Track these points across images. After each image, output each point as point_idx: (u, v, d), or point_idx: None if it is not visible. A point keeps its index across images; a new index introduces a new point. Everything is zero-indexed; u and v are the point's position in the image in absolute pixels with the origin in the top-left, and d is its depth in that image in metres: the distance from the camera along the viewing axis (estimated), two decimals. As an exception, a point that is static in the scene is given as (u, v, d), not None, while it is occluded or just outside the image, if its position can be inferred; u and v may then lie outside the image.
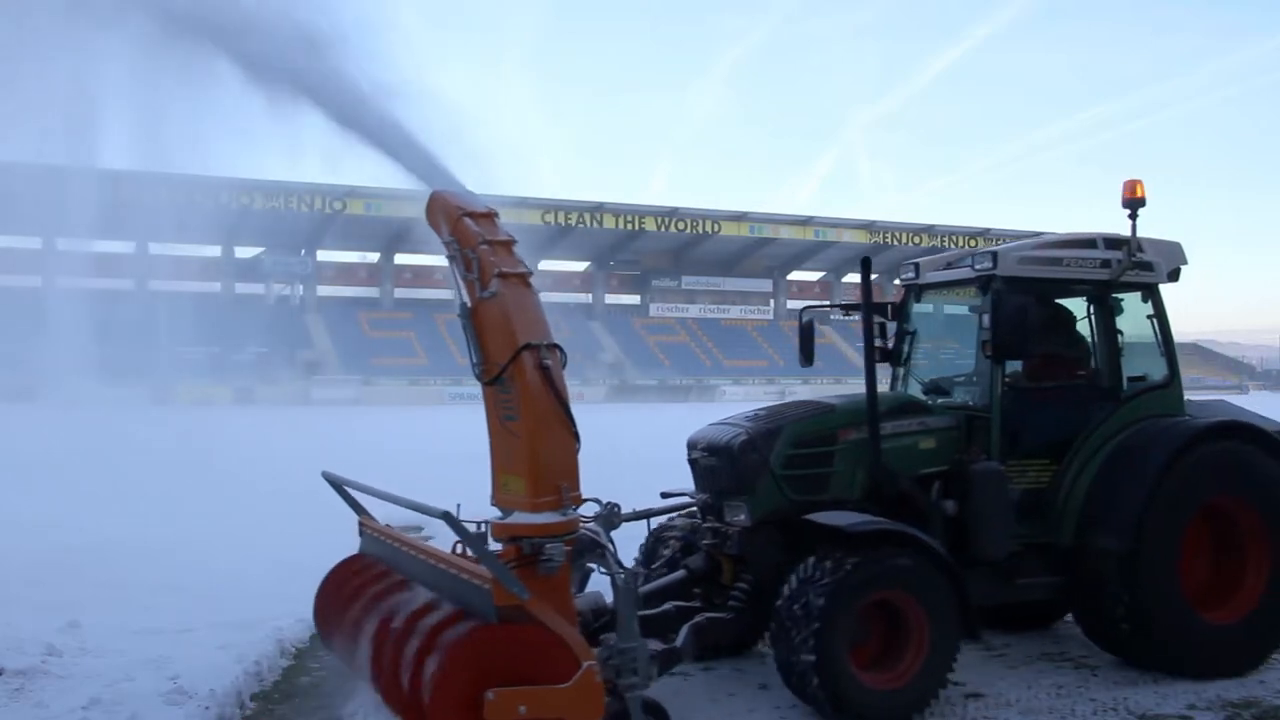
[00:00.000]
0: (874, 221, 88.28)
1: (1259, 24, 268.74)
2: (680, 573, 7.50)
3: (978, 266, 7.90)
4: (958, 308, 9.07)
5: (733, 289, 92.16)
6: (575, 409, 5.83)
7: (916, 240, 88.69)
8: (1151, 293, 8.32)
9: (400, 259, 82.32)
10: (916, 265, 8.76)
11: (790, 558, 6.87)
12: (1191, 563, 7.75)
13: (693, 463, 7.75)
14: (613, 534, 6.72)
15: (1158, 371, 8.30)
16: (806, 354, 8.64)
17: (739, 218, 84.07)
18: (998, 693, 7.35)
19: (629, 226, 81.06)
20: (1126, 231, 7.98)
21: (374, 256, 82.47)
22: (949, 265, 8.50)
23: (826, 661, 6.41)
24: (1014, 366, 8.16)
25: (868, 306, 7.70)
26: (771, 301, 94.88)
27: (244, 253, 75.04)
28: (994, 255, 7.80)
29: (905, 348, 8.98)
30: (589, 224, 79.16)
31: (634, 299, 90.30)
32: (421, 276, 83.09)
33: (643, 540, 8.31)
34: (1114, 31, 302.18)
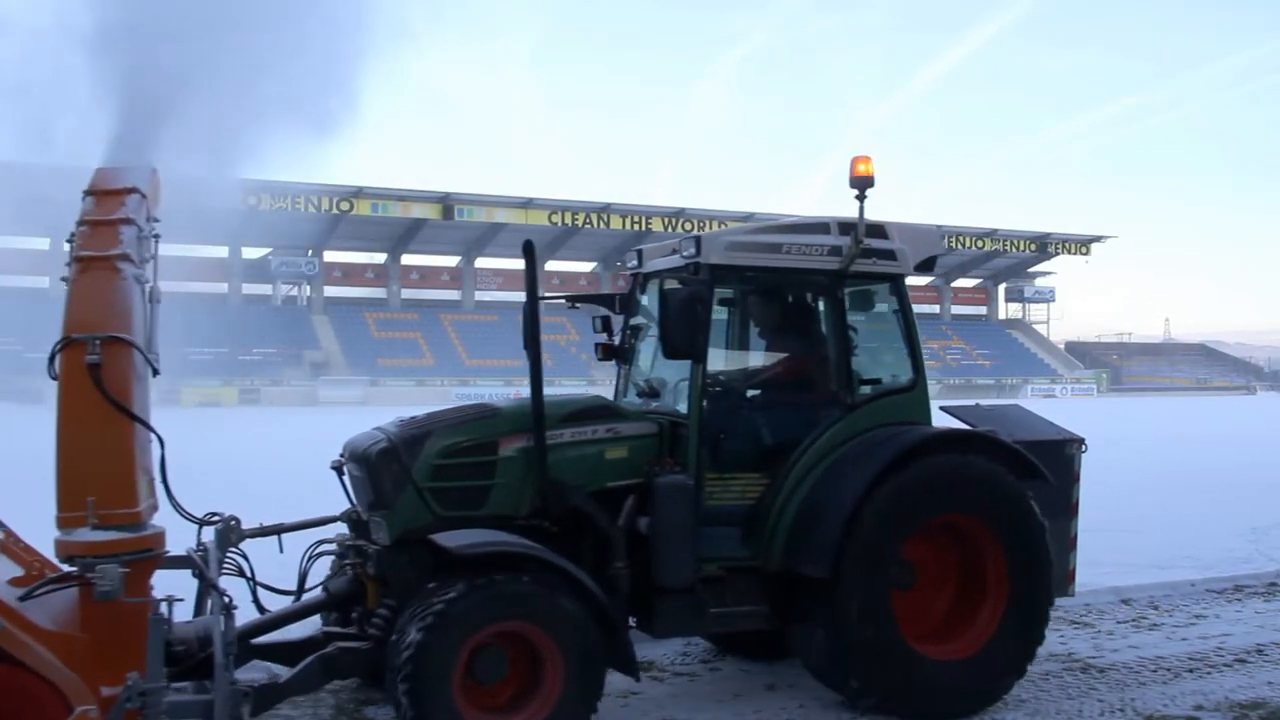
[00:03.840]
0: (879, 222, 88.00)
1: (1268, 23, 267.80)
2: (320, 595, 6.78)
3: (684, 253, 6.97)
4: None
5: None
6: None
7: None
8: (896, 285, 7.44)
9: (407, 259, 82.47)
10: (639, 252, 7.78)
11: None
12: (930, 590, 7.12)
13: (337, 470, 6.94)
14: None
15: (906, 374, 7.42)
16: (534, 349, 6.75)
17: (746, 218, 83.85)
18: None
19: (636, 227, 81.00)
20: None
21: (380, 257, 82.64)
22: (673, 252, 7.31)
23: (422, 706, 5.59)
24: (726, 367, 7.57)
25: (531, 296, 6.43)
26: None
27: (251, 254, 75.21)
28: (698, 241, 6.90)
29: (631, 344, 7.96)
30: (596, 224, 79.15)
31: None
32: (428, 277, 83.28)
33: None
34: (1120, 30, 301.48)
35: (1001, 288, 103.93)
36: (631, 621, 6.73)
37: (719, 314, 7.68)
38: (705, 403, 6.84)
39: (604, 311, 7.77)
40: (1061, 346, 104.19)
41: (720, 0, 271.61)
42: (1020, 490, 7.04)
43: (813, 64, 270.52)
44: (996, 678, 6.93)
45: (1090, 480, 8.60)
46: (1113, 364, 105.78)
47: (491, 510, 6.48)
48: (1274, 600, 10.29)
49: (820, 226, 7.13)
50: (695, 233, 7.08)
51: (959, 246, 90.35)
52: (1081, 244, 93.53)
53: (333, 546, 7.01)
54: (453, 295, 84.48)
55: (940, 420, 7.70)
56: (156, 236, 5.69)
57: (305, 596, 6.80)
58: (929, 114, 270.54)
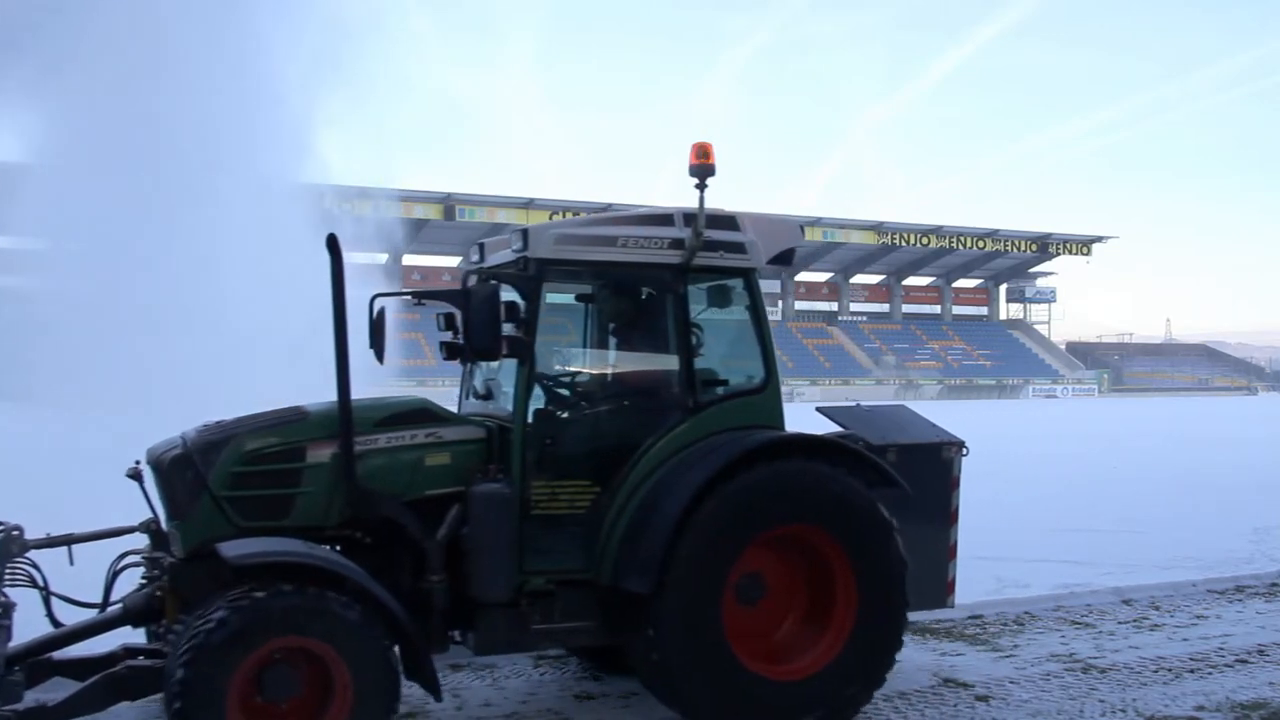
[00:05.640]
0: (882, 222, 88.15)
1: (1268, 23, 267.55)
2: (117, 609, 6.33)
3: (513, 247, 6.55)
4: (559, 296, 7.53)
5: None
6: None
7: (924, 241, 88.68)
8: (747, 279, 6.94)
9: (409, 260, 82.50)
10: (481, 246, 7.27)
11: None
12: (781, 604, 6.72)
13: (134, 477, 6.46)
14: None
15: (760, 374, 6.93)
16: (378, 348, 6.45)
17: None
18: (1006, 694, 7.33)
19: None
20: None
21: (383, 257, 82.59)
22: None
23: None
24: (566, 366, 7.26)
25: (338, 293, 6.01)
26: (780, 303, 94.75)
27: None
28: (525, 234, 6.45)
29: None
30: (596, 225, 79.16)
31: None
32: (431, 277, 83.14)
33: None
34: (1122, 30, 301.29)
35: (1003, 288, 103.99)
36: (457, 636, 6.42)
37: (573, 311, 7.36)
38: (532, 406, 6.47)
39: (450, 308, 7.09)
40: (1063, 347, 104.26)
41: (721, 0, 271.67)
42: (868, 499, 6.58)
43: (813, 64, 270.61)
44: (842, 695, 6.49)
45: (1091, 481, 8.63)
46: (1114, 364, 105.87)
47: (297, 520, 6.05)
48: (1275, 601, 10.29)
49: (663, 218, 6.72)
50: (524, 225, 6.57)
51: (959, 247, 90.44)
52: (1083, 244, 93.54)
53: (139, 558, 6.62)
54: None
55: (816, 423, 7.50)
56: None
57: (110, 610, 6.36)
58: (930, 114, 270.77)
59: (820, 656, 6.52)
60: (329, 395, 6.14)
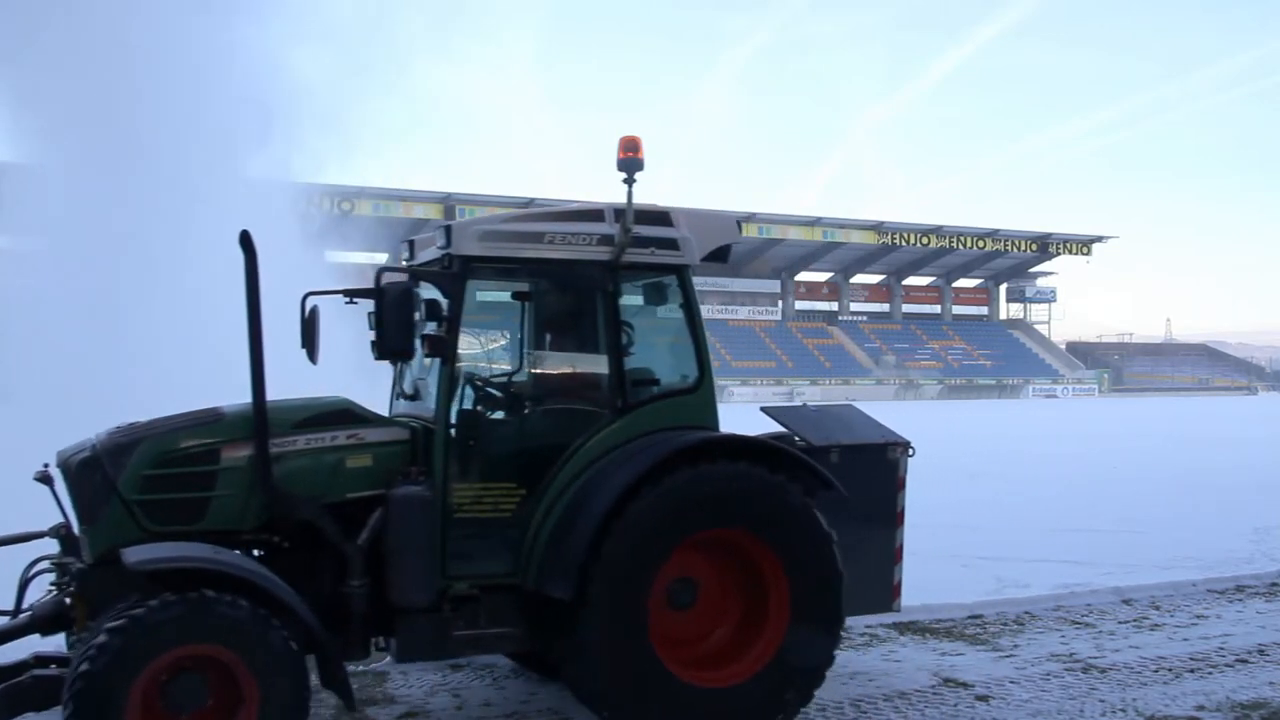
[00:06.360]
0: (882, 222, 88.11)
1: (1269, 23, 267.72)
2: (26, 617, 6.14)
3: (437, 244, 6.40)
4: (496, 294, 7.38)
5: (740, 290, 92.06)
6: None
7: (925, 241, 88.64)
8: (680, 276, 6.75)
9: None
10: (411, 244, 7.10)
11: None
12: (715, 610, 6.55)
13: (43, 480, 6.27)
14: None
15: (694, 374, 6.75)
16: (310, 348, 6.26)
17: (746, 218, 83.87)
18: (1006, 694, 7.33)
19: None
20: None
21: (382, 257, 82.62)
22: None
23: None
24: (494, 365, 7.13)
25: (252, 291, 5.80)
26: (780, 303, 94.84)
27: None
28: (448, 230, 6.27)
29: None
30: (597, 225, 79.16)
31: (639, 299, 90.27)
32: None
33: None
34: (1122, 30, 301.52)
35: (1003, 288, 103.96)
36: (382, 643, 6.33)
37: (509, 310, 7.19)
38: (458, 406, 6.33)
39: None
40: (1063, 347, 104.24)
41: (721, 0, 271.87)
42: (800, 501, 6.41)
43: (813, 64, 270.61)
44: (773, 703, 6.34)
45: (1091, 481, 8.60)
46: (1114, 364, 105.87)
47: (212, 524, 5.88)
48: (1275, 600, 10.29)
49: (593, 214, 6.53)
50: (448, 220, 6.36)
51: (959, 247, 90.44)
52: (1083, 244, 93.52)
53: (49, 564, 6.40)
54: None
55: (761, 423, 7.39)
56: None
57: (20, 617, 6.18)
58: (930, 114, 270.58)
59: (749, 665, 6.37)
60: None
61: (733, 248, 7.05)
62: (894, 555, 7.62)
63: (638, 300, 6.94)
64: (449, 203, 74.63)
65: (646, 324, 6.94)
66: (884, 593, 7.57)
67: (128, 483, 5.77)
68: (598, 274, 6.55)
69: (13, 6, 15.18)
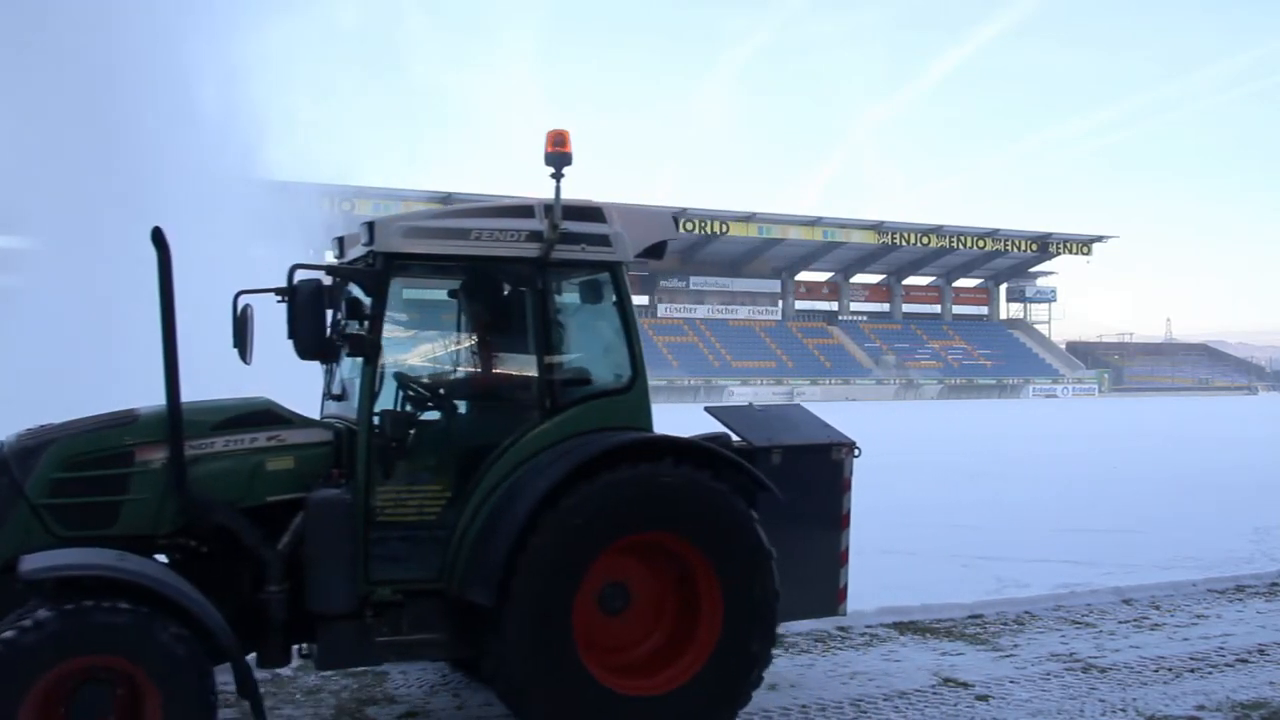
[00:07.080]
0: (882, 222, 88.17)
1: (1269, 23, 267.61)
2: None
3: (361, 241, 6.23)
4: (422, 292, 7.31)
5: (741, 289, 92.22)
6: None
7: (925, 240, 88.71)
8: (614, 274, 6.55)
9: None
10: (340, 240, 6.96)
11: None
12: (648, 616, 6.39)
13: None
14: None
15: (627, 374, 6.56)
16: (242, 347, 6.19)
17: (747, 218, 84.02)
18: (1006, 693, 7.34)
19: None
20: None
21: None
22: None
23: None
24: (421, 365, 7.01)
25: (165, 289, 5.61)
26: (780, 302, 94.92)
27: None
28: (371, 227, 6.08)
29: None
30: (596, 225, 79.19)
31: (642, 299, 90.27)
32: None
33: None
34: (1122, 30, 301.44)
35: (1003, 288, 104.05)
36: (305, 650, 6.19)
37: (437, 308, 7.07)
38: (381, 407, 6.13)
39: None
40: (1063, 346, 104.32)
41: (721, 0, 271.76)
42: (733, 503, 6.26)
43: (813, 64, 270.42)
44: (705, 713, 6.20)
45: (1091, 481, 8.60)
46: (1114, 364, 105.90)
47: (124, 529, 5.70)
48: (1275, 600, 10.30)
49: (522, 209, 6.34)
50: (371, 217, 6.24)
51: (960, 246, 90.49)
52: (1083, 244, 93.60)
53: None
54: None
55: (703, 423, 7.32)
56: None
57: None
58: (930, 114, 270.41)
59: (679, 673, 6.21)
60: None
61: (669, 244, 6.90)
62: (839, 558, 7.45)
63: (574, 298, 6.81)
64: (449, 202, 74.70)
65: (581, 323, 6.80)
66: (829, 596, 7.41)
67: (35, 487, 5.61)
68: (527, 271, 6.37)
69: (13, 6, 15.21)
